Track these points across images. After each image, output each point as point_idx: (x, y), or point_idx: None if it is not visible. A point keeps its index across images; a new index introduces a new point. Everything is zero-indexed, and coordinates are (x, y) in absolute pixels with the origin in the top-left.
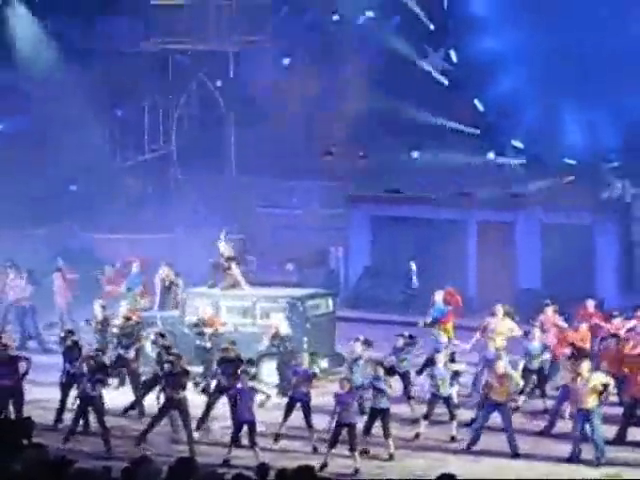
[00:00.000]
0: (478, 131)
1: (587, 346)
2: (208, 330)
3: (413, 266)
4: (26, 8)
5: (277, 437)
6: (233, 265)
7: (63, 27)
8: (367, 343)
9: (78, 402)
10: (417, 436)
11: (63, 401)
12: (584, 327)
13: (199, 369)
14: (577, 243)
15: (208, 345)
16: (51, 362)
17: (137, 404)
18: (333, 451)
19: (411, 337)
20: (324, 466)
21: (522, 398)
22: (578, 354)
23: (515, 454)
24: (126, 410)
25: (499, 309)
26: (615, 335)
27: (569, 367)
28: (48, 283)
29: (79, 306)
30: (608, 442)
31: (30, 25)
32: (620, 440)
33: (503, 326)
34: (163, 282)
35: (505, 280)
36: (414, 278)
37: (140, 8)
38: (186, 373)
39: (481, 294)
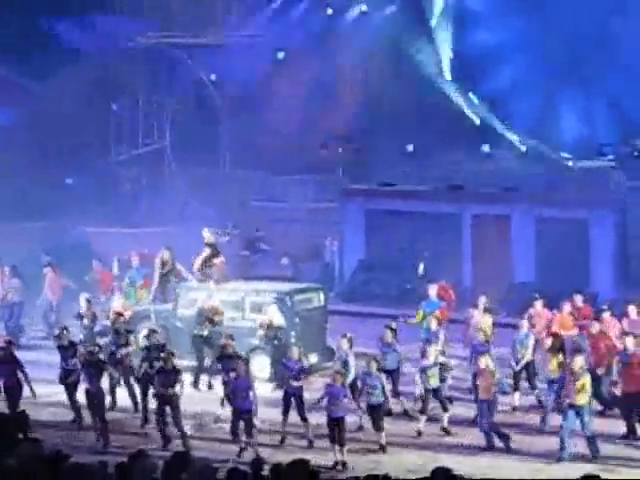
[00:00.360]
0: (473, 124)
1: (570, 330)
2: (218, 318)
3: (421, 268)
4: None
5: (283, 439)
6: (206, 250)
7: (58, 22)
8: (350, 342)
9: (85, 397)
10: (419, 434)
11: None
12: (566, 310)
13: (190, 362)
14: (572, 237)
15: (205, 333)
16: (39, 359)
17: (142, 411)
18: (325, 445)
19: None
20: (336, 464)
21: (517, 396)
22: (558, 345)
23: (490, 447)
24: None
25: (482, 300)
26: (597, 319)
27: (549, 358)
28: (38, 278)
29: (72, 300)
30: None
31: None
32: (631, 435)
33: (484, 322)
34: (162, 267)
35: (500, 273)
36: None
37: (135, 2)
38: (177, 371)
39: (476, 287)
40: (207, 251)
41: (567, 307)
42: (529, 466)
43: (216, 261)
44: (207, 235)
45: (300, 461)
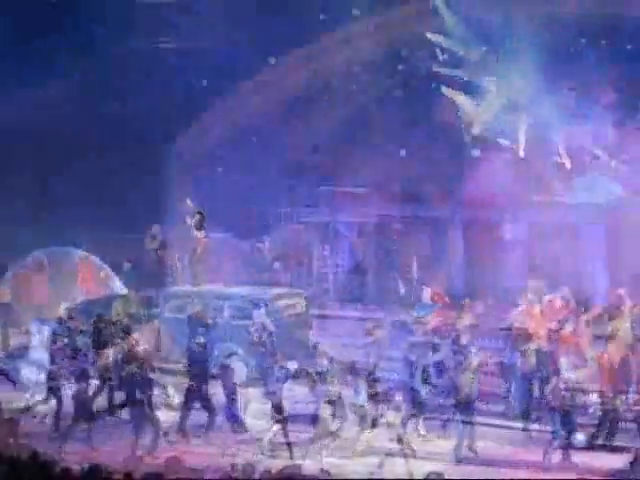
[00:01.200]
0: (466, 128)
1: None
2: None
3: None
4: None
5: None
6: (197, 216)
7: (50, 26)
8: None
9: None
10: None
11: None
12: (537, 309)
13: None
14: (564, 241)
15: (202, 340)
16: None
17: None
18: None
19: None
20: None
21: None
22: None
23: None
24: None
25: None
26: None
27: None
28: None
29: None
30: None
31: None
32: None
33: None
34: (151, 242)
35: (492, 278)
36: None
37: (126, 6)
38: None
39: (467, 292)
40: (197, 217)
41: (537, 307)
42: (520, 473)
43: (199, 235)
44: (190, 202)
45: (292, 467)
